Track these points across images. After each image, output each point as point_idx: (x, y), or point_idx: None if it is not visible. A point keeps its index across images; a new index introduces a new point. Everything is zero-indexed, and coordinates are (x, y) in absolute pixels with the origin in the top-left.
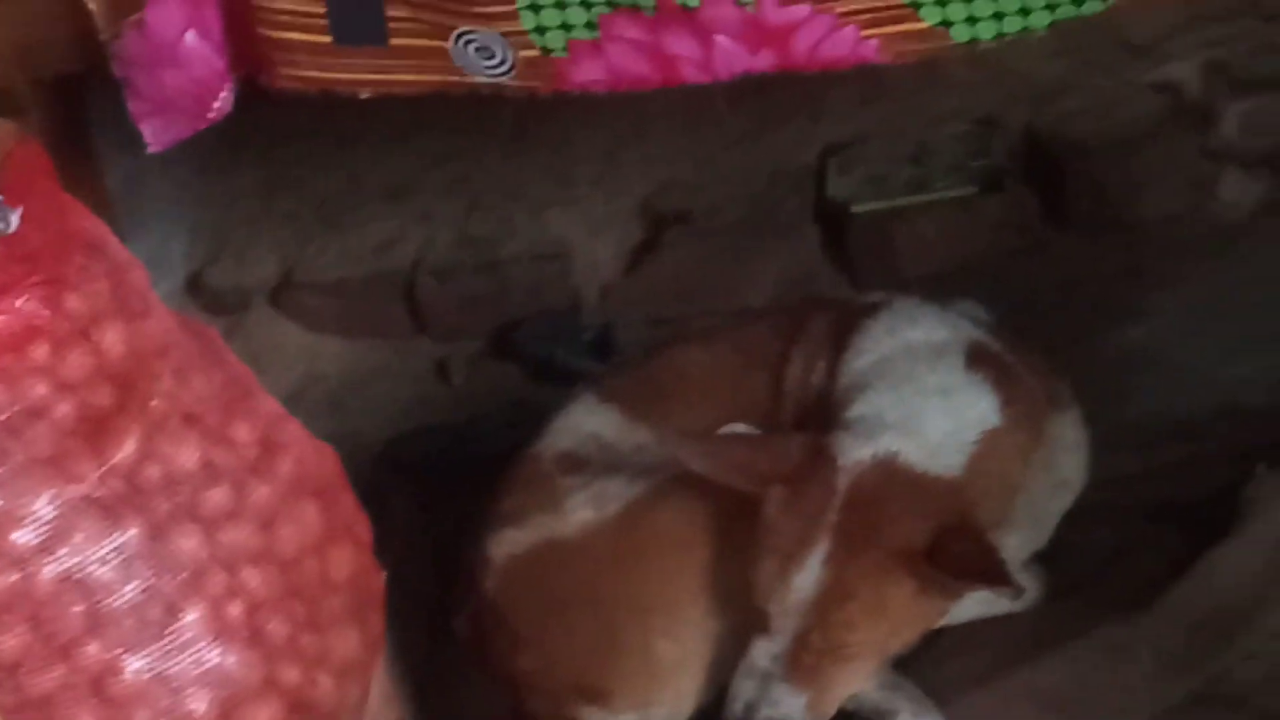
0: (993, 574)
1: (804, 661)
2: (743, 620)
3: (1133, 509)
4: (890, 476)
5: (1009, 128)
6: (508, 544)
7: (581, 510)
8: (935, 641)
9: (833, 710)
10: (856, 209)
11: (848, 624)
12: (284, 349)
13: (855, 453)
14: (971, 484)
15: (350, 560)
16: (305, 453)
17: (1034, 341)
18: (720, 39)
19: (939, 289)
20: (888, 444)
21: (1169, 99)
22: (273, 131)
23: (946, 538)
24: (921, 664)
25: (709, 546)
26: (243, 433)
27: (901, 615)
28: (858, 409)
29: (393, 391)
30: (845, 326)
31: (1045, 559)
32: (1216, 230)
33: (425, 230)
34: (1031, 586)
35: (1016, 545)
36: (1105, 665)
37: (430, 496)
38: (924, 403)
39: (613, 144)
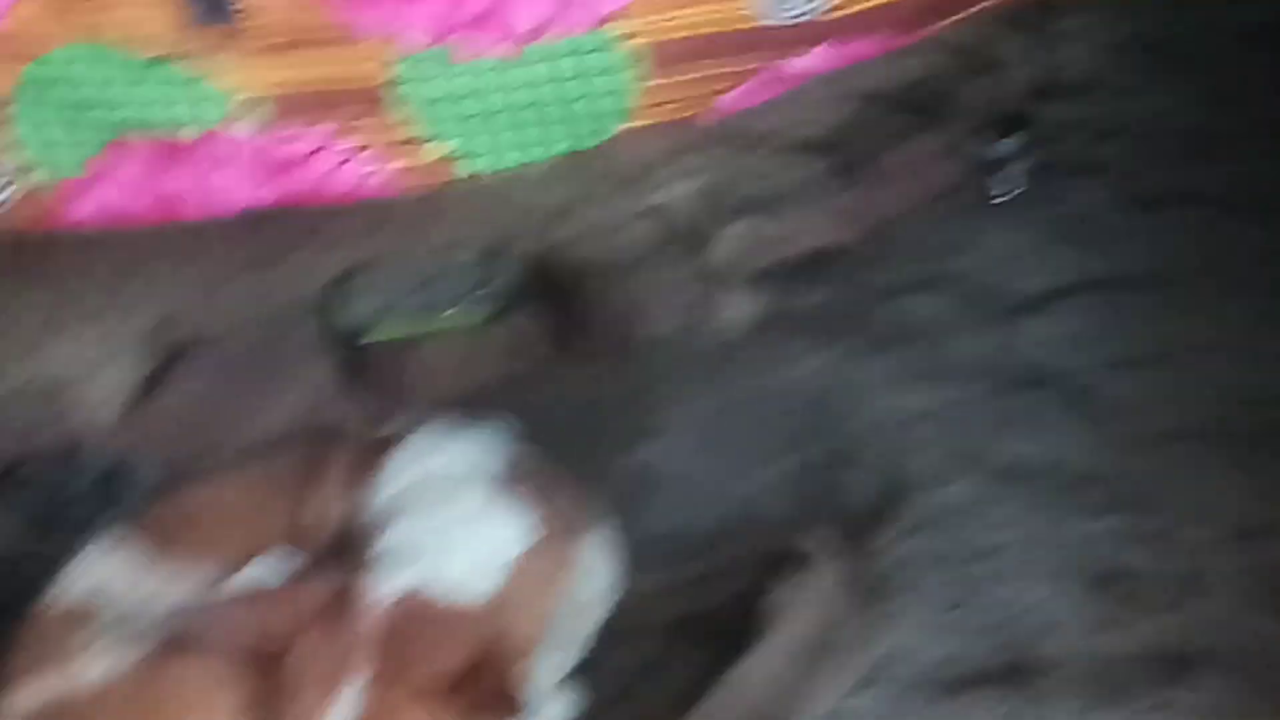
0: (505, 713)
1: None
2: None
3: (657, 626)
4: (417, 610)
5: (514, 255)
6: (18, 708)
7: (95, 667)
8: None
9: None
10: (366, 338)
11: None
12: None
13: (382, 588)
14: (500, 612)
15: None
16: None
17: (559, 462)
18: (222, 174)
19: (457, 415)
20: (410, 579)
21: (663, 224)
22: None
23: (470, 672)
24: None
25: (231, 700)
26: None
27: None
28: (385, 542)
29: None
30: (368, 458)
31: (575, 679)
32: (715, 349)
33: None
34: (567, 705)
35: (552, 665)
36: None
37: None
38: (449, 532)
39: (112, 276)
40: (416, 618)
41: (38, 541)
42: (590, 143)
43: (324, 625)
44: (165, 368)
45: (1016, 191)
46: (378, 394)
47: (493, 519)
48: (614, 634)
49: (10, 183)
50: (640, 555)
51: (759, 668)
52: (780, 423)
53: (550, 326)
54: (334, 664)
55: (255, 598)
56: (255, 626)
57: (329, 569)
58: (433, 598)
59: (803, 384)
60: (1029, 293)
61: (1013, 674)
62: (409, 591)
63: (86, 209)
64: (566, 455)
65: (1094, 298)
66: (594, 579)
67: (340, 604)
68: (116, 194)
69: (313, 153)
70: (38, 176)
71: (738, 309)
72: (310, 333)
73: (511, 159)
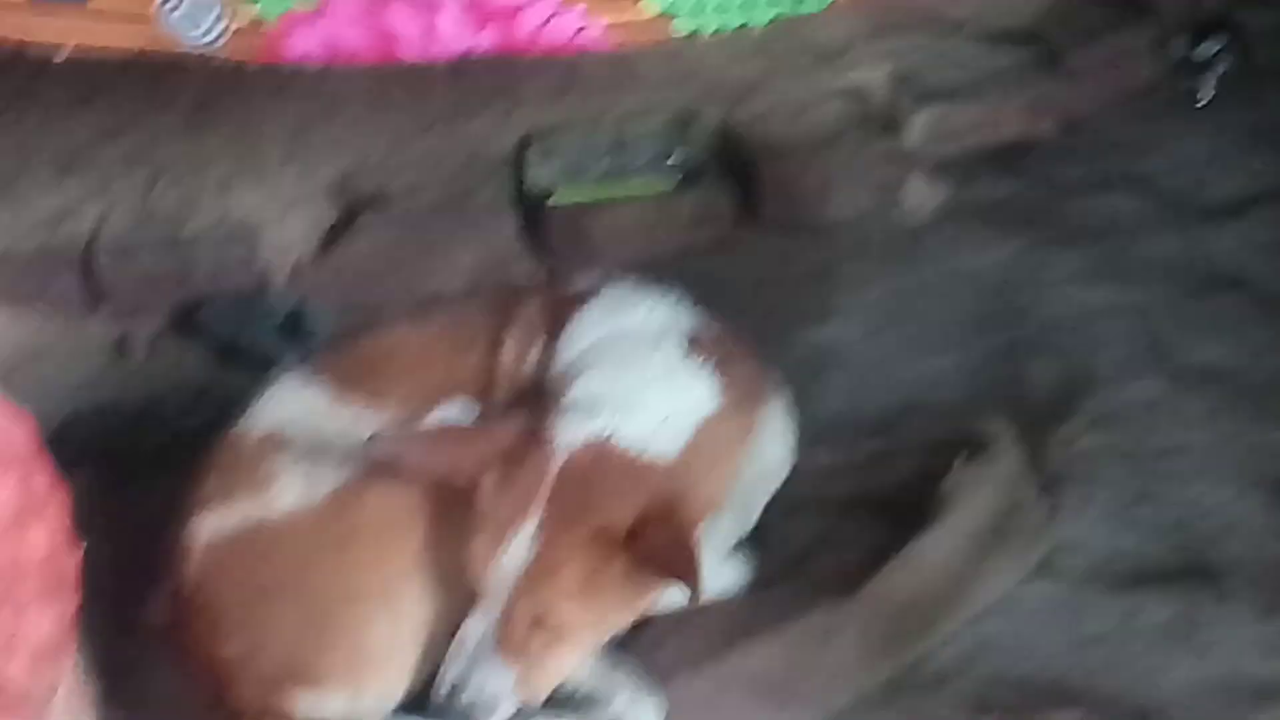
0: (681, 570)
1: (513, 638)
2: (456, 605)
3: (831, 501)
4: (602, 458)
5: (704, 125)
6: (210, 529)
7: (289, 494)
8: (651, 625)
9: (544, 693)
10: (554, 199)
11: (555, 600)
12: None
13: (569, 434)
14: (685, 470)
15: (46, 538)
16: None
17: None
18: (444, 16)
19: (641, 280)
20: (602, 425)
21: (856, 105)
22: None
23: (647, 525)
24: (639, 647)
25: (421, 531)
26: None
27: (609, 596)
28: (575, 392)
29: (67, 368)
30: (559, 312)
31: (751, 546)
32: (900, 233)
33: (102, 203)
34: (740, 572)
35: (727, 531)
36: (813, 649)
37: (111, 479)
38: (642, 386)
39: (302, 122)
40: (601, 463)
41: (223, 374)
42: (795, 11)
43: (512, 464)
44: (351, 218)
45: (1213, 95)
46: (560, 256)
47: (682, 379)
48: (788, 506)
49: (223, 17)
50: (816, 432)
51: (934, 548)
52: (963, 310)
53: (736, 199)
54: (518, 501)
55: (449, 433)
56: (448, 460)
57: (520, 414)
58: (620, 447)
59: (988, 273)
60: (1223, 197)
61: (1190, 573)
62: (597, 437)
63: (307, 43)
64: (746, 329)
65: None
66: (773, 447)
67: (529, 445)
68: (338, 29)
69: (529, 3)
70: (260, 9)
71: (926, 195)
72: (496, 191)
73: (718, 22)
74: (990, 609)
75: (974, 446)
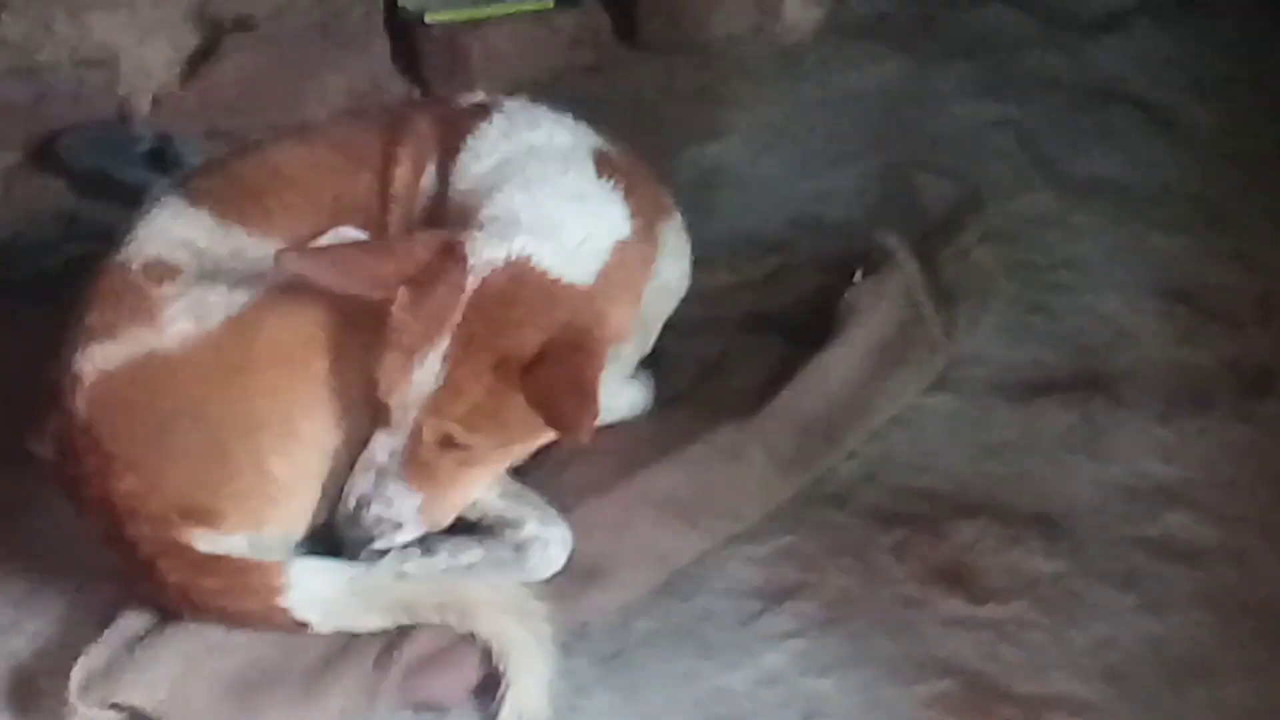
0: (570, 416)
1: (420, 459)
2: (358, 435)
3: (729, 320)
4: (521, 278)
5: None
6: (99, 359)
7: (181, 321)
8: (556, 449)
9: (449, 517)
10: (429, 19)
11: (462, 422)
12: None
13: (488, 252)
14: (601, 295)
15: None
16: None
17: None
18: None
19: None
20: (522, 245)
21: None
22: None
23: (552, 354)
24: (542, 472)
25: (321, 357)
26: None
27: (514, 420)
28: (491, 209)
29: None
30: (453, 128)
31: (651, 367)
32: (782, 52)
33: None
34: (642, 394)
35: (629, 353)
36: (720, 467)
37: None
38: (560, 207)
39: None
40: (522, 283)
41: (91, 202)
42: None
43: (431, 276)
44: (215, 42)
45: None
46: (437, 76)
47: (597, 201)
48: (687, 328)
49: None
50: (710, 254)
51: (835, 364)
52: (852, 127)
53: (615, 19)
54: (432, 320)
55: (363, 248)
56: (363, 275)
57: (435, 231)
58: (539, 269)
59: (874, 90)
60: (1103, 10)
61: (1088, 382)
62: (520, 256)
63: None
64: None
65: (1172, 19)
66: (672, 266)
67: (444, 261)
68: None
69: None
70: None
71: (804, 12)
72: (369, 10)
73: None
74: (892, 422)
75: (870, 261)
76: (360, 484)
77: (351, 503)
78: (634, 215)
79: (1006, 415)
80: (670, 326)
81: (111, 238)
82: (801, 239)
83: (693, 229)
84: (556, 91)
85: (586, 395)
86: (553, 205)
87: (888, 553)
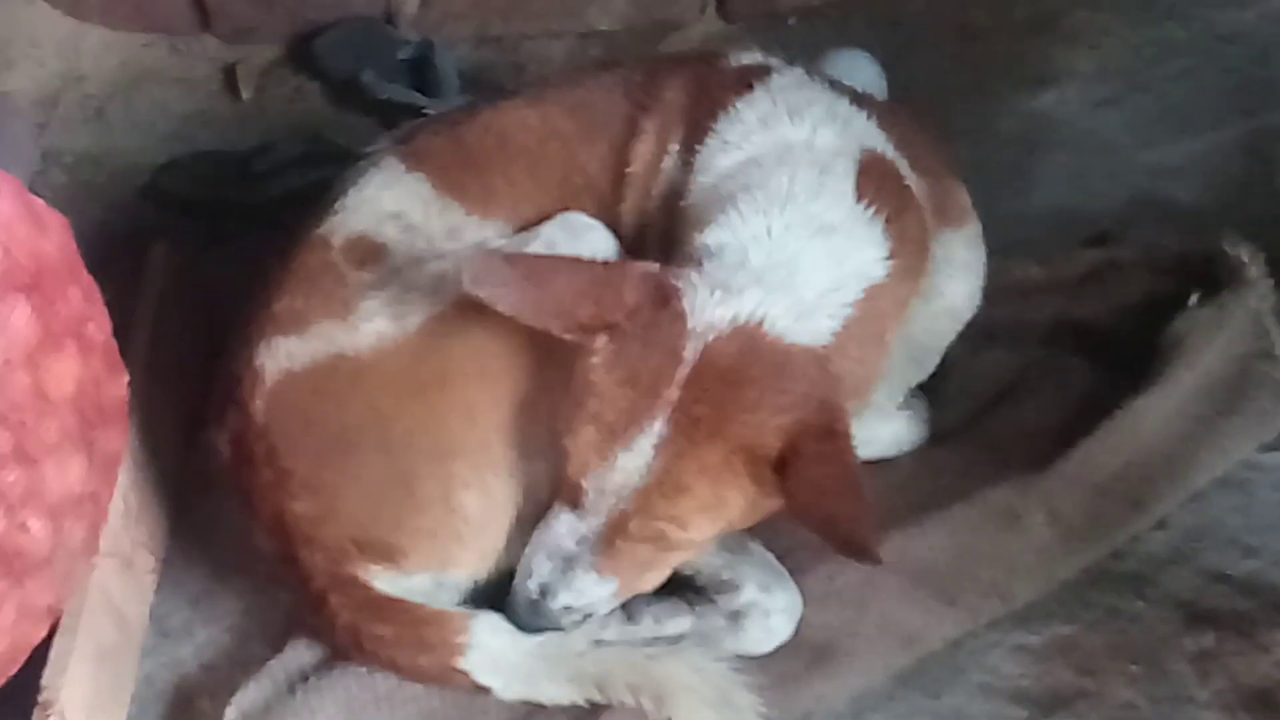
0: (851, 528)
1: (618, 549)
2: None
3: (1031, 328)
4: (750, 348)
5: None
6: (284, 356)
7: (377, 319)
8: None
9: (648, 590)
10: None
11: (676, 520)
12: (37, 38)
13: (711, 311)
14: (841, 355)
15: (74, 370)
16: (16, 234)
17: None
18: None
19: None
20: (752, 304)
21: None
22: None
23: (805, 447)
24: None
25: (528, 377)
26: None
27: (742, 515)
28: (715, 235)
29: (166, 101)
30: (711, 98)
31: (930, 388)
32: None
33: None
34: (910, 430)
35: (893, 386)
36: (989, 533)
37: (203, 242)
38: (801, 245)
39: None
40: (751, 353)
41: (340, 116)
42: None
43: (640, 332)
44: None
45: None
46: None
47: (850, 235)
48: (981, 334)
49: None
50: (1022, 235)
51: (1151, 409)
52: (1220, 79)
53: None
54: (642, 394)
55: (558, 265)
56: (551, 302)
57: (649, 264)
58: (771, 335)
59: (1252, 30)
60: None
61: None
62: (748, 319)
63: None
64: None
65: None
66: (955, 285)
67: (659, 309)
68: None
69: None
70: None
71: None
72: None
73: None
74: (1218, 485)
75: (1212, 271)
76: (543, 570)
77: (534, 590)
78: (895, 252)
79: None
80: (961, 332)
81: (341, 184)
82: (1136, 227)
83: (1006, 202)
84: (874, 10)
85: (859, 493)
86: (792, 243)
87: (1189, 663)
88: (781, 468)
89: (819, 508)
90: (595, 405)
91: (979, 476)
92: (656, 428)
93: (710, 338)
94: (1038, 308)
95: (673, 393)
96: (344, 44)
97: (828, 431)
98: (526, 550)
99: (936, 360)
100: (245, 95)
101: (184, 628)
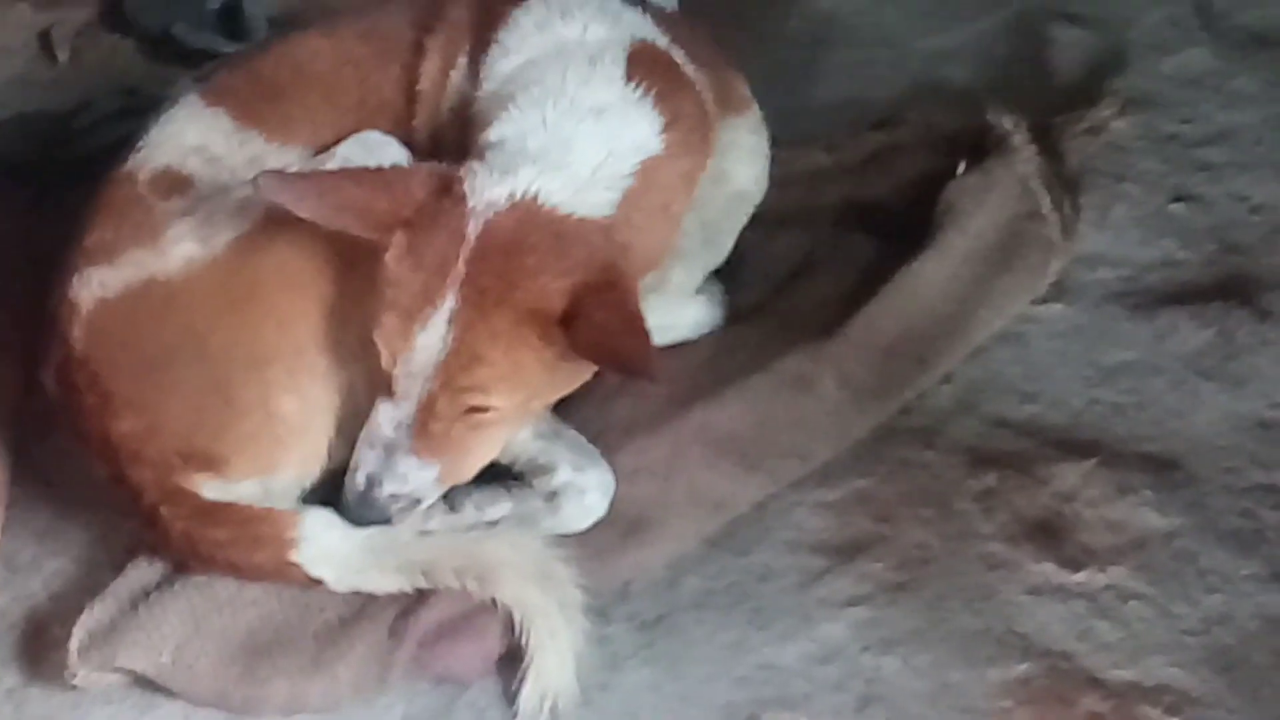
0: (632, 359)
1: (433, 430)
2: (378, 367)
3: (821, 211)
4: (528, 220)
5: None
6: (97, 285)
7: (185, 243)
8: (600, 382)
9: (470, 475)
10: None
11: (479, 389)
12: None
13: (489, 191)
14: (625, 224)
15: None
16: None
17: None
18: None
19: None
20: (527, 180)
21: None
22: None
23: (587, 301)
24: (585, 407)
25: (336, 284)
26: None
27: (540, 380)
28: (497, 130)
29: None
30: (492, 12)
31: (727, 273)
32: None
33: None
34: (710, 310)
35: (685, 273)
36: (786, 399)
37: (31, 201)
38: (573, 127)
39: None
40: (527, 228)
41: (155, 70)
42: None
43: (427, 221)
44: None
45: None
46: None
47: (622, 113)
48: (775, 219)
49: None
50: (814, 127)
51: (928, 273)
52: None
53: None
54: (431, 275)
55: (349, 176)
56: (347, 209)
57: (430, 164)
58: (547, 206)
59: None
60: None
61: (1233, 288)
62: (521, 195)
63: None
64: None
65: None
66: (743, 168)
67: (442, 202)
68: None
69: None
70: None
71: None
72: None
73: None
74: (994, 340)
75: (982, 143)
76: (368, 461)
77: (361, 481)
78: (669, 125)
79: (1129, 330)
80: (754, 220)
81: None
82: (915, 110)
83: (798, 97)
84: None
85: (640, 332)
86: (565, 125)
87: (975, 501)
88: (568, 324)
89: (603, 346)
90: (393, 294)
91: (774, 349)
92: (448, 304)
93: (490, 215)
94: (826, 192)
95: (459, 269)
96: (154, 1)
97: (609, 285)
98: (356, 448)
99: (730, 243)
100: (61, 58)
101: (32, 562)
